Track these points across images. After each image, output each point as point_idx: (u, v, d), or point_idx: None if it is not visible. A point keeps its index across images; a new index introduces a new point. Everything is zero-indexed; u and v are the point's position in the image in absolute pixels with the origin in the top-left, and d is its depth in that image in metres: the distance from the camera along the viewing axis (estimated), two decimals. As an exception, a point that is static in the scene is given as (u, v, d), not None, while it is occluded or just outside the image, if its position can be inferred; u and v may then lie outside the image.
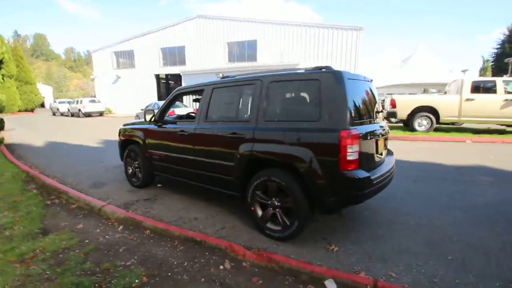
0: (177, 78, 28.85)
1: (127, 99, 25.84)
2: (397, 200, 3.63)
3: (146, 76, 24.86)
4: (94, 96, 27.33)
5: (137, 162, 4.33)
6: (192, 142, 3.34)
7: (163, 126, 3.86)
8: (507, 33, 40.89)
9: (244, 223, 3.03)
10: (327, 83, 2.40)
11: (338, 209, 2.43)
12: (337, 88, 2.36)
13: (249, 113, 2.86)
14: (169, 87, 31.14)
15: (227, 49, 21.64)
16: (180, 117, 4.37)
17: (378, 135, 2.76)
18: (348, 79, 2.44)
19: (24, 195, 3.92)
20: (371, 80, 3.10)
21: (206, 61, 21.89)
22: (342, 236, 2.74)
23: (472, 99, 8.58)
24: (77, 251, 2.46)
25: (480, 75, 32.87)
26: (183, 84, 19.18)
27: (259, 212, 2.79)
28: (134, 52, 25.08)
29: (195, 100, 4.53)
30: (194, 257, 2.35)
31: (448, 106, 8.93)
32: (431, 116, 9.18)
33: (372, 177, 2.37)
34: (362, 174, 2.31)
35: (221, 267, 2.21)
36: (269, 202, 2.71)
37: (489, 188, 4.07)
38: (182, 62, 23.52)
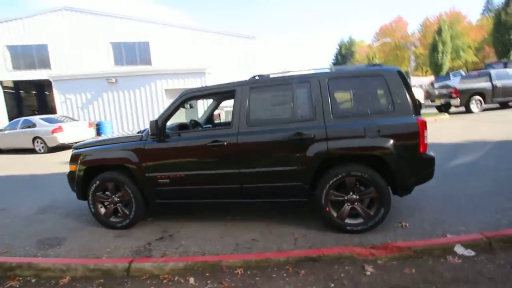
0: (33, 85, 22.00)
1: None
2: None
3: (-20, 84, 17.54)
4: None
5: (118, 195, 3.17)
6: (234, 153, 2.82)
7: (167, 140, 3.03)
8: (337, 47, 55.29)
9: (310, 228, 2.88)
10: (393, 78, 2.65)
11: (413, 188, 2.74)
12: (403, 82, 2.66)
13: (311, 111, 2.72)
14: (20, 98, 23.13)
15: (111, 50, 18.39)
16: (181, 127, 3.49)
17: None
18: (404, 73, 2.80)
19: None
20: None
21: (83, 63, 17.73)
22: (397, 213, 3.06)
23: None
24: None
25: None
26: (55, 92, 14.70)
27: (334, 211, 2.74)
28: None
29: (192, 106, 3.74)
30: (329, 276, 2.06)
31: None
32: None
33: None
34: (432, 153, 2.72)
35: (368, 273, 2.06)
36: (345, 198, 2.70)
37: (442, 158, 5.28)
38: (45, 65, 18.14)
